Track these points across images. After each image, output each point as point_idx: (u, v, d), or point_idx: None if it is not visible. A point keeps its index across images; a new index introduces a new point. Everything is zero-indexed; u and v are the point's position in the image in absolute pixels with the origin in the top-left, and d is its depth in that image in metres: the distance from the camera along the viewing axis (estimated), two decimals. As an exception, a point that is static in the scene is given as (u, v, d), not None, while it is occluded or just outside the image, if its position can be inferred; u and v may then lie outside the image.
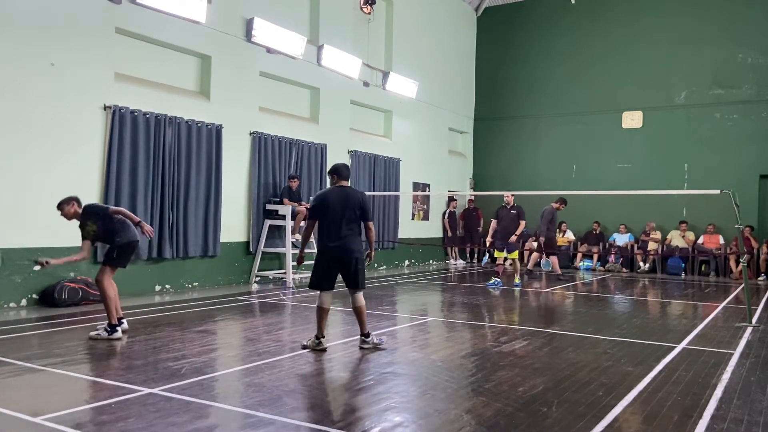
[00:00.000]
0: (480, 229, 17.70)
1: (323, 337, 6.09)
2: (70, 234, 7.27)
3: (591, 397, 4.68)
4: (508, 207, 12.22)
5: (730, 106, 15.76)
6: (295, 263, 6.92)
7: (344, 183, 6.21)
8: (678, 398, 4.68)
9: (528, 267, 14.36)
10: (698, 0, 16.27)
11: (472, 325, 7.82)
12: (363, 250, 6.18)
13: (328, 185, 6.45)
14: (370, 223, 6.21)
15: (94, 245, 7.00)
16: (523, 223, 12.10)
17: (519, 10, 18.73)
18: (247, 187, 11.57)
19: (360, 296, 6.16)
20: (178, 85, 10.48)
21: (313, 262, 6.25)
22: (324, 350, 6.00)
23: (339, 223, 6.00)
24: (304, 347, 6.09)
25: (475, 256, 18.41)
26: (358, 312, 6.14)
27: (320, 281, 6.09)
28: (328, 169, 6.22)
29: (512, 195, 12.34)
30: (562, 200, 13.59)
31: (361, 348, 6.13)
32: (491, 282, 12.19)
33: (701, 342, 6.91)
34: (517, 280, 12.26)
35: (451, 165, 18.20)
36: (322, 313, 6.07)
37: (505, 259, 12.72)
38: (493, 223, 12.50)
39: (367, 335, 6.18)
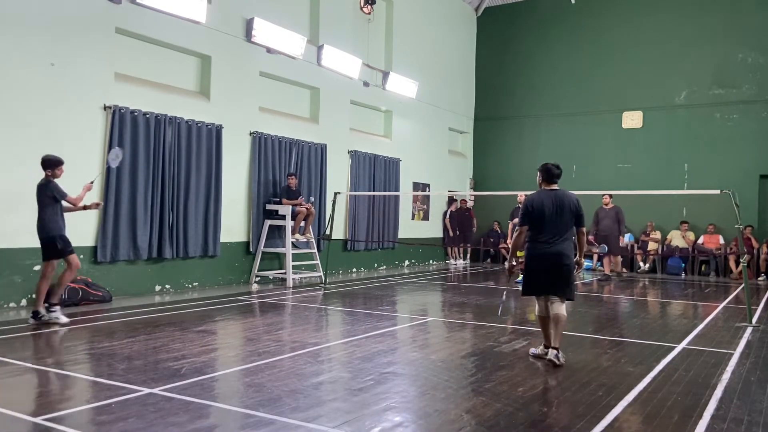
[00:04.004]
0: (474, 230, 17.73)
1: (551, 347, 5.72)
2: (70, 234, 7.27)
3: (591, 397, 4.68)
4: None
5: (730, 106, 15.75)
6: (507, 272, 6.39)
7: (554, 185, 5.92)
8: (678, 398, 4.69)
9: (608, 271, 14.00)
10: (698, 0, 16.28)
11: (472, 325, 7.82)
12: (574, 256, 5.88)
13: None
14: (584, 229, 5.97)
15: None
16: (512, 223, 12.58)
17: (519, 10, 18.72)
18: (247, 187, 11.56)
19: (563, 305, 5.79)
20: (178, 85, 10.48)
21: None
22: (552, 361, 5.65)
23: (553, 229, 5.75)
24: (535, 356, 5.90)
25: (468, 256, 18.41)
26: (555, 320, 5.71)
27: (534, 288, 5.86)
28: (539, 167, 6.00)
29: (524, 195, 12.59)
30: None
31: (548, 359, 5.67)
32: (519, 279, 12.56)
33: (701, 342, 6.91)
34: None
35: (451, 165, 18.19)
36: (543, 322, 5.84)
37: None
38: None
39: (556, 348, 5.67)
